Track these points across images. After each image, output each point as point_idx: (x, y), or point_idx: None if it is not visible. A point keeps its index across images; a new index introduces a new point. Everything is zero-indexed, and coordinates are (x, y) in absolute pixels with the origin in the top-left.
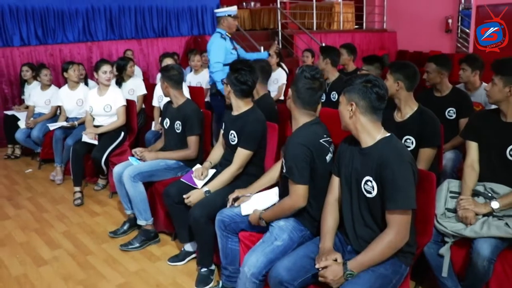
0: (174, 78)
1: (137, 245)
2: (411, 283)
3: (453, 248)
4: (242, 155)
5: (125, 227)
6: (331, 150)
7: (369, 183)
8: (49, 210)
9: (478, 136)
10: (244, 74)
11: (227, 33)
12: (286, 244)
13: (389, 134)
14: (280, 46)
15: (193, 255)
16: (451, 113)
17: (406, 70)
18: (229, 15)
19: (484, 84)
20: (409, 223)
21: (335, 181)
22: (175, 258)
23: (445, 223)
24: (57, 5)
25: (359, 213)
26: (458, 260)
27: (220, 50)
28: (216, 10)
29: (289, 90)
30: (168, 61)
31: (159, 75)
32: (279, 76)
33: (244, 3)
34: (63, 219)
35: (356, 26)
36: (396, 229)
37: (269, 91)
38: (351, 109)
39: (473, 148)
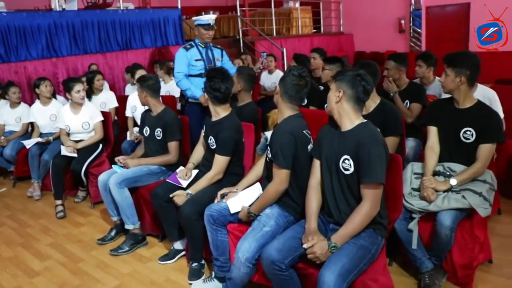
0: (152, 88)
1: (127, 249)
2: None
3: (420, 223)
4: (219, 161)
5: (113, 233)
6: (311, 141)
7: (346, 161)
8: (31, 225)
9: (436, 121)
10: (217, 82)
11: (199, 43)
12: (274, 229)
13: (365, 120)
14: (242, 51)
15: (183, 253)
16: (407, 104)
17: (368, 69)
18: (199, 25)
19: (437, 78)
20: (381, 195)
21: (316, 164)
22: (165, 257)
23: (412, 201)
24: (18, 21)
25: (339, 189)
26: (425, 234)
27: (179, 60)
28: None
29: (277, 86)
30: (141, 72)
31: (129, 87)
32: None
33: (203, 13)
34: (48, 231)
35: (314, 30)
36: (370, 200)
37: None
38: (338, 96)
39: (433, 132)
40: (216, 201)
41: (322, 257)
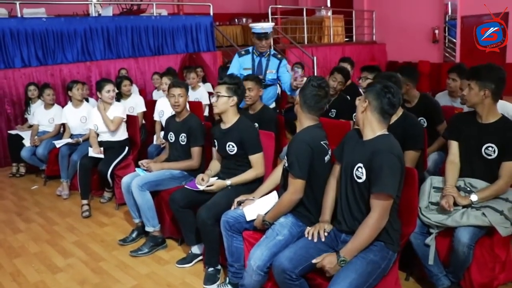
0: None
1: (146, 250)
2: (402, 274)
3: (437, 239)
4: (259, 159)
5: (134, 235)
6: (329, 153)
7: (359, 169)
8: (58, 223)
9: (458, 135)
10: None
11: (255, 51)
12: (287, 239)
13: (388, 133)
14: None
15: (200, 257)
16: (422, 122)
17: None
18: (253, 33)
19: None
20: (389, 207)
21: (337, 166)
22: (183, 261)
23: (429, 215)
24: (56, 26)
25: (353, 196)
26: (443, 249)
27: (232, 65)
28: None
29: (297, 96)
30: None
31: (156, 92)
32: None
33: (236, 19)
34: (73, 230)
35: (346, 39)
36: (378, 211)
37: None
38: (364, 106)
39: (454, 146)
40: (232, 208)
41: (332, 271)
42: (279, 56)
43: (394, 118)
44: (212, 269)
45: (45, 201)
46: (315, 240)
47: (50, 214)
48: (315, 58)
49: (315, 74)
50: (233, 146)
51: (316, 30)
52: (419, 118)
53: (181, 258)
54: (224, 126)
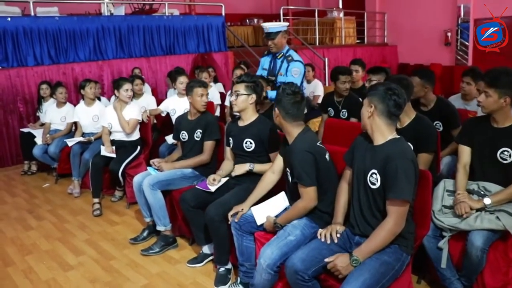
0: None
1: (157, 250)
2: (414, 277)
3: (450, 242)
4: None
5: (145, 234)
6: (327, 151)
7: (374, 175)
8: (69, 221)
9: (470, 140)
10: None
11: (269, 51)
12: (298, 239)
13: (398, 136)
14: None
15: (211, 257)
16: (437, 125)
17: (399, 84)
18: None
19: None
20: (406, 213)
21: (347, 171)
22: (194, 260)
23: (443, 218)
24: (69, 25)
25: (366, 202)
26: (456, 253)
27: (260, 64)
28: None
29: (275, 110)
30: (184, 79)
31: (170, 92)
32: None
33: (247, 20)
34: (84, 228)
35: (358, 41)
36: (394, 217)
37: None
38: (370, 111)
39: (465, 152)
40: (230, 221)
41: (344, 271)
42: (289, 58)
43: (407, 121)
44: (223, 268)
45: (56, 199)
46: (328, 241)
47: (61, 212)
48: (326, 59)
49: (327, 76)
50: (250, 143)
51: (327, 32)
52: (435, 122)
53: (192, 258)
54: (242, 123)
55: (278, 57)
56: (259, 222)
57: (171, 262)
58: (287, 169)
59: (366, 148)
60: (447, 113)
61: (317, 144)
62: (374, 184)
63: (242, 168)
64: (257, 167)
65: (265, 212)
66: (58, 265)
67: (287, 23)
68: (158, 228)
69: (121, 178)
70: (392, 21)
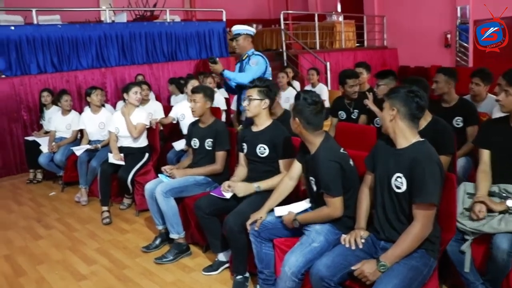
0: (212, 98)
1: (171, 258)
2: None
3: (473, 245)
4: (287, 164)
5: (157, 242)
6: (349, 156)
7: (399, 179)
8: (79, 229)
9: (489, 142)
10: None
11: (240, 58)
12: (323, 246)
13: (422, 139)
14: (286, 65)
15: (226, 265)
16: (458, 121)
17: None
18: None
19: (490, 95)
20: (433, 217)
21: (368, 176)
22: (209, 268)
23: (465, 221)
24: (71, 33)
25: (391, 207)
26: (478, 256)
27: None
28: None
29: (294, 119)
30: (194, 83)
31: (173, 97)
32: (290, 95)
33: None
34: (94, 237)
35: (357, 44)
36: (421, 221)
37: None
38: (392, 114)
39: (485, 155)
40: (249, 230)
41: (371, 277)
42: (253, 55)
43: (424, 124)
44: (241, 277)
45: (63, 208)
46: (353, 247)
47: (70, 221)
48: (328, 63)
49: (329, 80)
50: (264, 148)
51: (327, 36)
52: (456, 118)
53: (208, 266)
54: (256, 128)
55: (244, 58)
56: (277, 214)
57: (186, 270)
58: (311, 177)
59: (389, 152)
60: (469, 109)
61: (341, 151)
62: (399, 188)
63: (248, 190)
64: (264, 185)
65: (287, 208)
66: (71, 275)
67: (253, 29)
68: (172, 236)
69: (130, 186)
70: (391, 24)
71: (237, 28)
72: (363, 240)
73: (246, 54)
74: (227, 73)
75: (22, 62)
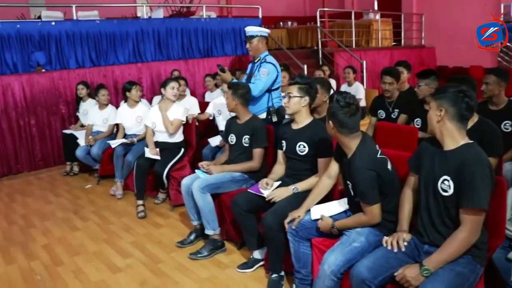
0: (244, 96)
1: (206, 253)
2: None
3: None
4: (325, 164)
5: (192, 237)
6: (388, 159)
7: (446, 182)
8: (114, 222)
9: None
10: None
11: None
12: (363, 246)
13: (471, 141)
14: (321, 63)
15: (262, 262)
16: (507, 126)
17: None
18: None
19: None
20: (481, 222)
21: (412, 177)
22: (244, 265)
23: None
24: (109, 29)
25: (437, 210)
26: None
27: None
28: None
29: (328, 122)
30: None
31: (208, 94)
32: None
33: (281, 23)
34: (129, 230)
35: (394, 43)
36: (469, 227)
37: None
38: (440, 115)
39: None
40: (287, 228)
41: (414, 282)
42: (263, 61)
43: (470, 124)
44: (276, 275)
45: (99, 200)
46: (395, 250)
47: (105, 213)
48: (364, 62)
49: (365, 79)
50: (304, 146)
51: (363, 34)
52: (505, 122)
53: (243, 263)
54: (296, 126)
55: (256, 61)
56: (313, 217)
57: (221, 267)
58: (348, 181)
59: (435, 153)
60: None
61: (378, 156)
62: (446, 191)
63: (285, 193)
64: (301, 187)
65: (322, 211)
66: (107, 267)
67: (267, 30)
68: (207, 232)
69: (165, 180)
70: (430, 22)
71: (251, 29)
72: (405, 243)
73: (259, 57)
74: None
75: (62, 57)
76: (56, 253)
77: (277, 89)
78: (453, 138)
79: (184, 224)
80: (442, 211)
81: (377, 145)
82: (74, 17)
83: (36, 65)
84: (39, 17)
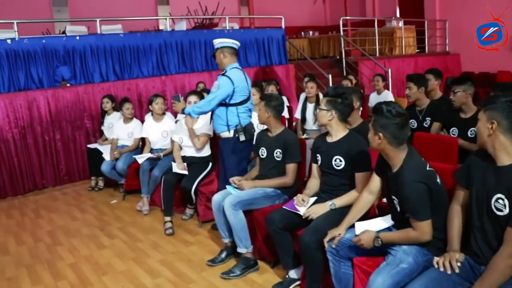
0: (277, 108)
1: (238, 273)
2: None
3: None
4: (365, 178)
5: (223, 255)
6: (436, 173)
7: (500, 201)
8: (141, 240)
9: None
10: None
11: None
12: (411, 267)
13: None
14: (346, 72)
15: (298, 282)
16: None
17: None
18: None
19: None
20: None
21: (460, 192)
22: (280, 285)
23: None
24: (132, 42)
25: (492, 231)
26: None
27: None
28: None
29: (375, 135)
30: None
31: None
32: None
33: (302, 32)
34: (157, 248)
35: (418, 50)
36: None
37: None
38: (491, 127)
39: None
40: (326, 247)
41: None
42: (223, 75)
43: None
44: None
45: (125, 216)
46: (449, 271)
47: (132, 230)
48: (389, 70)
49: (390, 87)
50: (340, 161)
51: (387, 42)
52: None
53: (278, 283)
54: (330, 139)
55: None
56: (358, 231)
57: (254, 287)
58: (393, 196)
59: (487, 169)
60: None
61: (427, 168)
62: (500, 210)
63: (322, 209)
64: (338, 203)
65: (367, 226)
66: (136, 287)
67: (231, 41)
68: (239, 250)
69: (193, 196)
70: (454, 28)
71: (215, 42)
72: (459, 264)
73: (225, 70)
74: (187, 109)
75: (86, 71)
76: (83, 272)
77: (239, 104)
78: (508, 152)
79: (214, 241)
80: (498, 231)
81: (422, 158)
82: (98, 31)
83: (61, 80)
84: (64, 32)
